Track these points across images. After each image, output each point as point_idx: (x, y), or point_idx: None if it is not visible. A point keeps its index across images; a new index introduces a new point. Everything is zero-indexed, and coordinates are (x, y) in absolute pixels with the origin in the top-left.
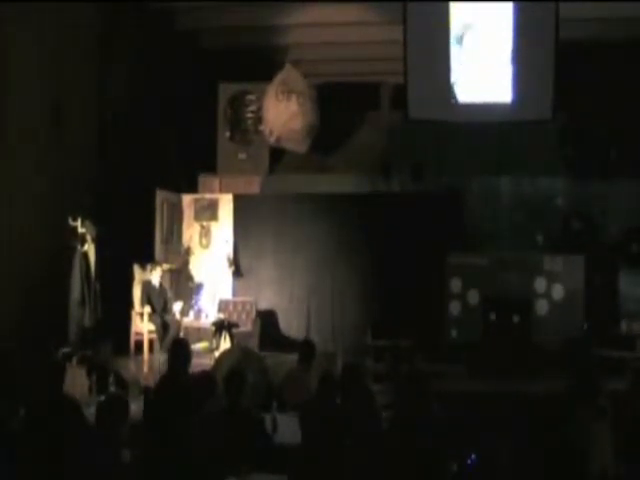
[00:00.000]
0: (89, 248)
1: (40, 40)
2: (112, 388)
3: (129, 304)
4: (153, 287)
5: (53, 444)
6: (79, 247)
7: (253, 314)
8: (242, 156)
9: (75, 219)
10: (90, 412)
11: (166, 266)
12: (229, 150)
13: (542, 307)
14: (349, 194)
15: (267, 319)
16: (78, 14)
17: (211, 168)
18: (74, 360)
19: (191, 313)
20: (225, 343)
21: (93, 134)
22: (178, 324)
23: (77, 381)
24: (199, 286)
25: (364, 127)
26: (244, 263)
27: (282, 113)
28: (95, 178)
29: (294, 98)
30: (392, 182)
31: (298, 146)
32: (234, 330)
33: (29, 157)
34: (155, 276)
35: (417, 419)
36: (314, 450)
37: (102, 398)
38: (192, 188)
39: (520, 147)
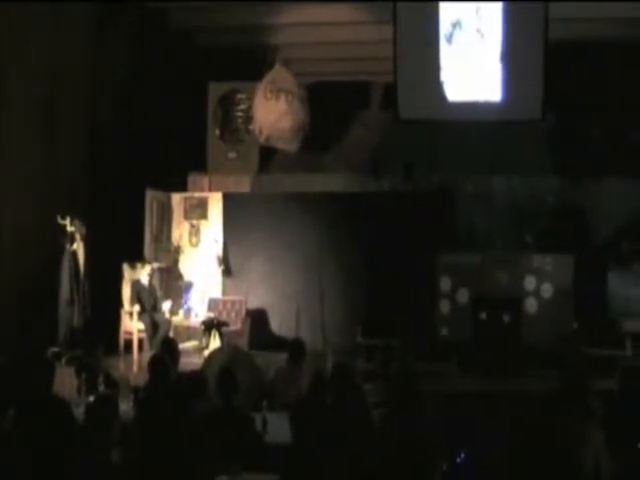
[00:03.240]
0: (78, 247)
1: (33, 40)
2: (101, 388)
3: (118, 303)
4: (142, 286)
5: (42, 444)
6: (68, 246)
7: (243, 313)
8: (232, 155)
9: (64, 218)
10: (80, 412)
11: (156, 265)
12: (219, 149)
13: (532, 306)
14: (340, 193)
15: (257, 318)
16: (72, 14)
17: (201, 167)
18: (63, 360)
19: (181, 312)
20: (215, 342)
21: (84, 133)
22: (168, 323)
23: (66, 381)
24: (189, 285)
25: (355, 126)
26: (234, 262)
27: (271, 112)
28: (84, 177)
29: (283, 97)
30: (383, 181)
31: (288, 145)
32: (224, 329)
33: (20, 156)
34: (144, 275)
35: (407, 418)
36: (305, 449)
37: (91, 398)
38: (182, 187)
39: (511, 146)
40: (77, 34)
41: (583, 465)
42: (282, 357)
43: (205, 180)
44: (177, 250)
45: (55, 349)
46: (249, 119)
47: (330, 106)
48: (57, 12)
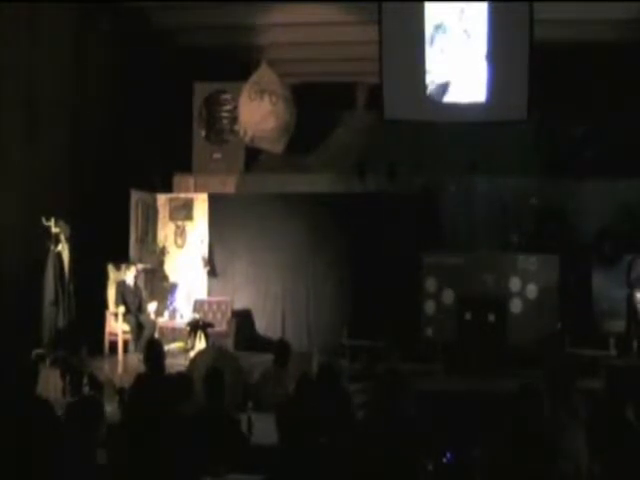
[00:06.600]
0: (63, 248)
1: (14, 40)
2: (86, 389)
3: (103, 304)
4: (128, 287)
5: (27, 446)
6: (53, 247)
7: (228, 314)
8: (217, 156)
9: (49, 219)
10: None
11: (141, 266)
12: (204, 149)
13: (516, 306)
14: (325, 194)
15: (242, 319)
16: (53, 13)
17: (186, 168)
18: (48, 361)
19: (166, 313)
20: (200, 343)
21: (67, 134)
22: (153, 324)
23: (51, 382)
24: (174, 286)
25: (340, 127)
26: (219, 263)
27: (255, 113)
28: (69, 177)
29: (267, 98)
30: (367, 182)
31: (273, 146)
32: (209, 330)
33: (3, 157)
34: (130, 276)
35: (393, 418)
36: (290, 450)
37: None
38: (167, 188)
39: (496, 147)
40: (58, 35)
41: (566, 465)
42: (268, 358)
43: (190, 181)
44: (162, 251)
45: (39, 350)
46: (234, 120)
47: (315, 107)
48: (38, 12)
